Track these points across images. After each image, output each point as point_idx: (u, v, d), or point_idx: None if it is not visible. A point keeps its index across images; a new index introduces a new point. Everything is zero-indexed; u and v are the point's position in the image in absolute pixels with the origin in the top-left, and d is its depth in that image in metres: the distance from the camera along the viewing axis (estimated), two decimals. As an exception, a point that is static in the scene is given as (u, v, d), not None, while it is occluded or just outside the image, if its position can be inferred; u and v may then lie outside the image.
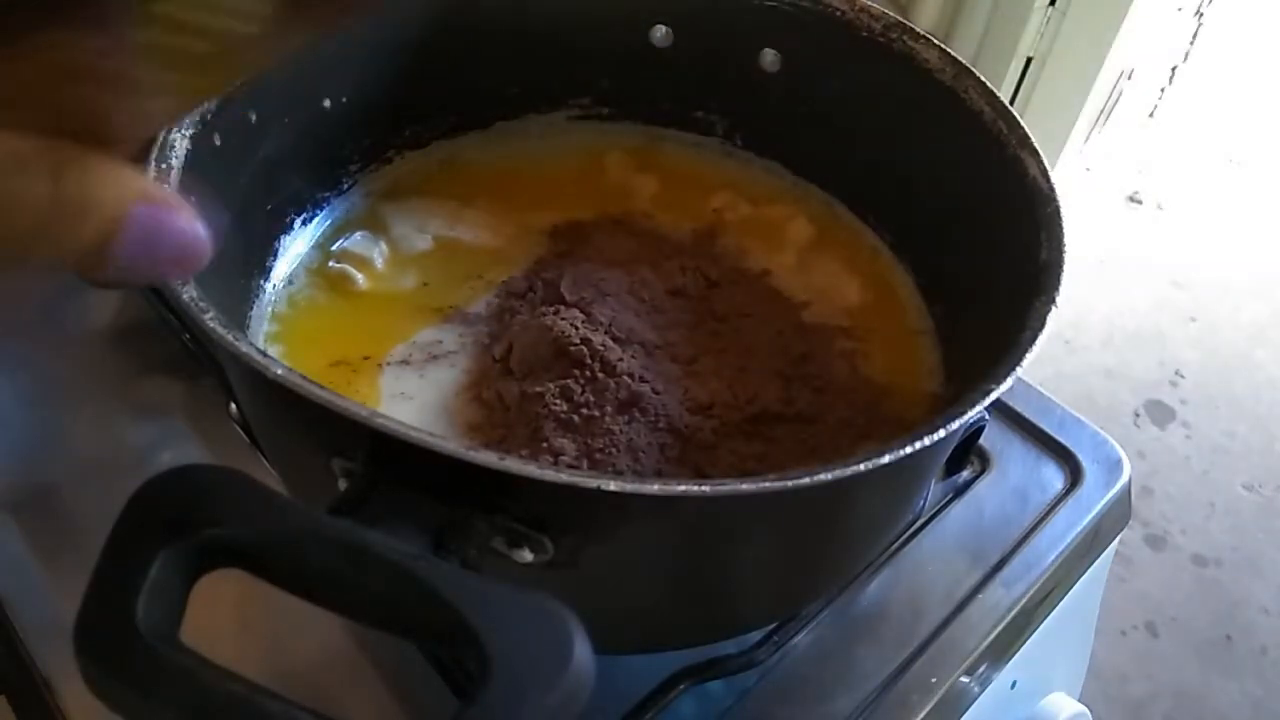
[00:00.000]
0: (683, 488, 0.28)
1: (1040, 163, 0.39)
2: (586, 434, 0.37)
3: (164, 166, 0.34)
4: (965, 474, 0.50)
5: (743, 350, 0.42)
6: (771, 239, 0.49)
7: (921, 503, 0.48)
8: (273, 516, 0.25)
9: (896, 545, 0.47)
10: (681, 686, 0.41)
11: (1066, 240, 0.36)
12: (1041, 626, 0.48)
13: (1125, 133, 1.72)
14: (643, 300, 0.43)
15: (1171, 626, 1.23)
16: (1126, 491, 0.51)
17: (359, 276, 0.45)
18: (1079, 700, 0.56)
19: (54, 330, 0.55)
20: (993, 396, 0.31)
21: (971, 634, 0.45)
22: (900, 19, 0.44)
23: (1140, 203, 1.77)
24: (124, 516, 0.24)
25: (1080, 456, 0.51)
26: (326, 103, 0.45)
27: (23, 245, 0.19)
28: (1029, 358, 0.32)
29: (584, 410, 0.37)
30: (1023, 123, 0.40)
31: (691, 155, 0.53)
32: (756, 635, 0.43)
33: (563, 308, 0.41)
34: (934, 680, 0.43)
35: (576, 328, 0.40)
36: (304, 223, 0.47)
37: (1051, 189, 0.38)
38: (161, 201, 0.19)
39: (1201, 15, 1.64)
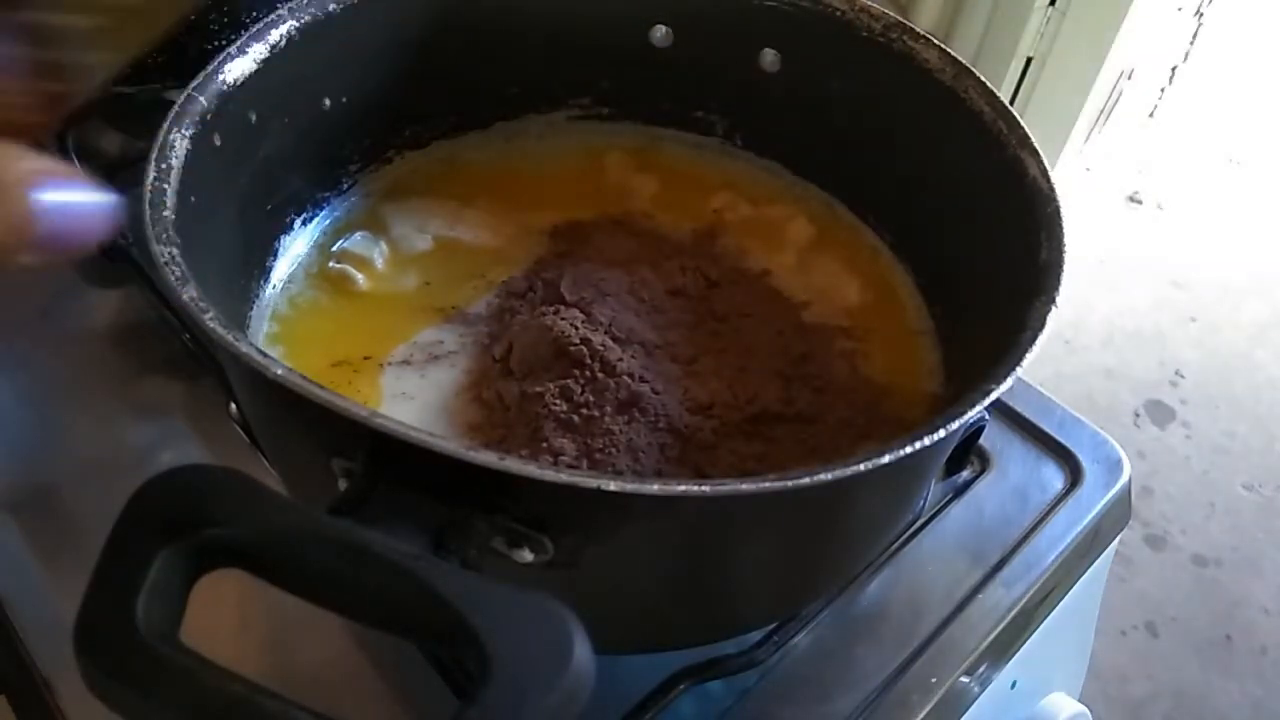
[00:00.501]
0: (683, 488, 0.28)
1: (1040, 163, 0.39)
2: (586, 434, 0.37)
3: (164, 166, 0.34)
4: (965, 474, 0.50)
5: (743, 350, 0.42)
6: (771, 239, 0.49)
7: (921, 503, 0.48)
8: (273, 516, 0.25)
9: (896, 545, 0.47)
10: (681, 686, 0.41)
11: (1066, 240, 0.36)
12: (1041, 626, 0.48)
13: (1125, 133, 1.72)
14: (643, 300, 0.43)
15: (1171, 626, 1.23)
16: (1126, 491, 0.51)
17: (359, 277, 0.45)
18: (1079, 700, 0.56)
19: (54, 330, 0.55)
20: (993, 397, 0.31)
21: (971, 634, 0.45)
22: (900, 19, 0.44)
23: (1140, 203, 1.77)
24: (124, 516, 0.24)
25: (1080, 456, 0.51)
26: (326, 103, 0.45)
27: None
28: (1029, 358, 0.32)
29: (584, 410, 0.37)
30: (1023, 123, 0.40)
31: (691, 155, 0.53)
32: (756, 635, 0.43)
33: (563, 308, 0.41)
34: (934, 680, 0.43)
35: (576, 328, 0.40)
36: (304, 223, 0.47)
37: (1051, 189, 0.38)
38: (64, 175, 0.21)
39: (1201, 15, 1.64)
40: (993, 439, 0.52)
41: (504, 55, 0.50)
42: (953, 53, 0.43)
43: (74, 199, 0.21)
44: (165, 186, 0.34)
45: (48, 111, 0.21)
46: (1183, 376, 1.50)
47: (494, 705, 0.22)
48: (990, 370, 0.32)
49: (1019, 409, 0.53)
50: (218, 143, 0.38)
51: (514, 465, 0.27)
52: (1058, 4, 1.36)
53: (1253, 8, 1.92)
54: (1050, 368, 1.48)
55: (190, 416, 0.51)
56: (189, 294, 0.30)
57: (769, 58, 0.49)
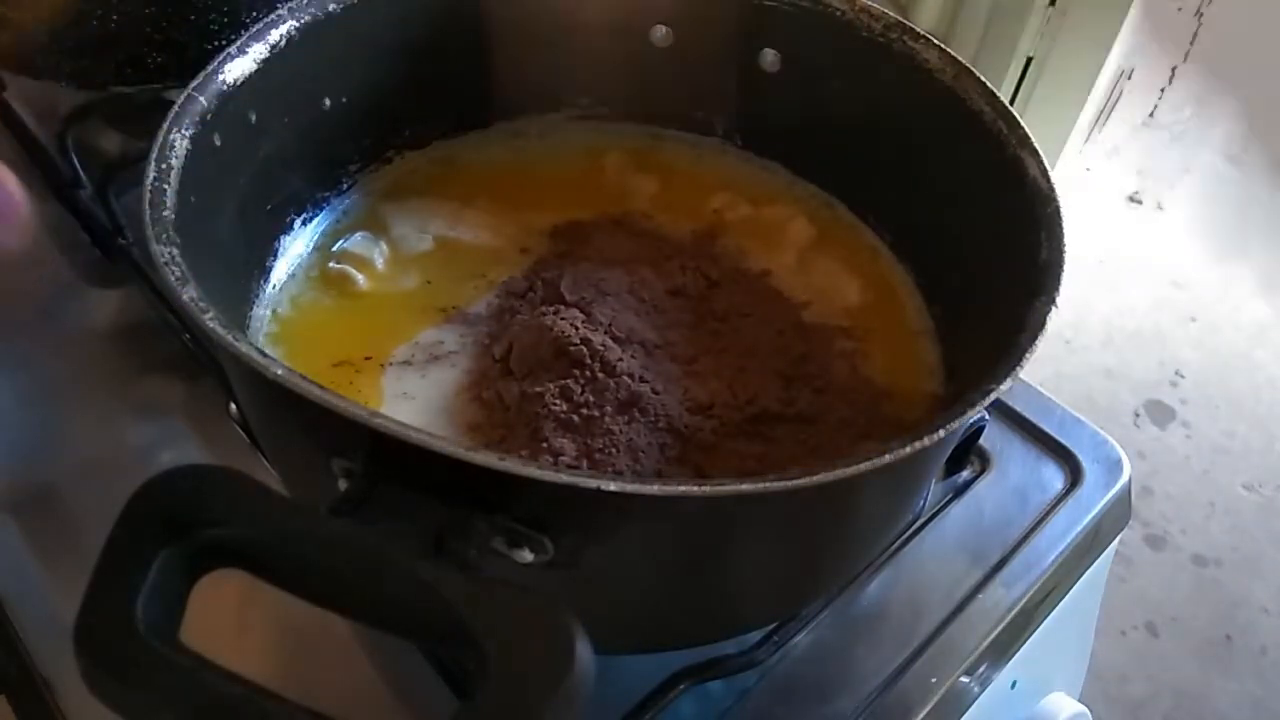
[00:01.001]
0: (683, 488, 0.28)
1: (1040, 163, 0.39)
2: (586, 434, 0.37)
3: (164, 166, 0.34)
4: (965, 474, 0.50)
5: (743, 350, 0.42)
6: (771, 239, 0.49)
7: (921, 503, 0.48)
8: (273, 516, 0.25)
9: (896, 545, 0.47)
10: (681, 686, 0.41)
11: (1066, 240, 0.36)
12: (1041, 626, 0.48)
13: (1125, 133, 1.72)
14: (643, 300, 0.43)
15: (1171, 626, 1.23)
16: (1126, 491, 0.51)
17: (359, 277, 0.45)
18: (1079, 700, 0.56)
19: (54, 330, 0.55)
20: (993, 397, 0.31)
21: (971, 634, 0.45)
22: (900, 19, 0.44)
23: (1140, 203, 1.77)
24: (124, 516, 0.24)
25: (1080, 456, 0.51)
26: (326, 103, 0.45)
27: None
28: (1029, 358, 0.32)
29: (584, 410, 0.37)
30: (1023, 123, 0.40)
31: (691, 155, 0.53)
32: (756, 635, 0.43)
33: (563, 308, 0.41)
34: (934, 680, 0.43)
35: (576, 328, 0.40)
36: (304, 223, 0.47)
37: (1051, 189, 0.38)
38: None
39: (1201, 15, 1.64)
40: (993, 439, 0.52)
41: (504, 55, 0.50)
42: (953, 53, 0.43)
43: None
44: (165, 186, 0.34)
45: None
46: (1183, 376, 1.50)
47: (494, 705, 0.22)
48: (990, 370, 0.32)
49: (1019, 409, 0.53)
50: (218, 143, 0.38)
51: (514, 465, 0.27)
52: (1058, 4, 1.36)
53: (1253, 8, 1.92)
54: (1050, 368, 1.48)
55: (190, 416, 0.51)
56: (189, 294, 0.30)
57: (769, 58, 0.49)
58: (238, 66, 0.39)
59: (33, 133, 0.60)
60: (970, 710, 0.45)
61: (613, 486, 0.27)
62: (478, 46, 0.49)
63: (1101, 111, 1.54)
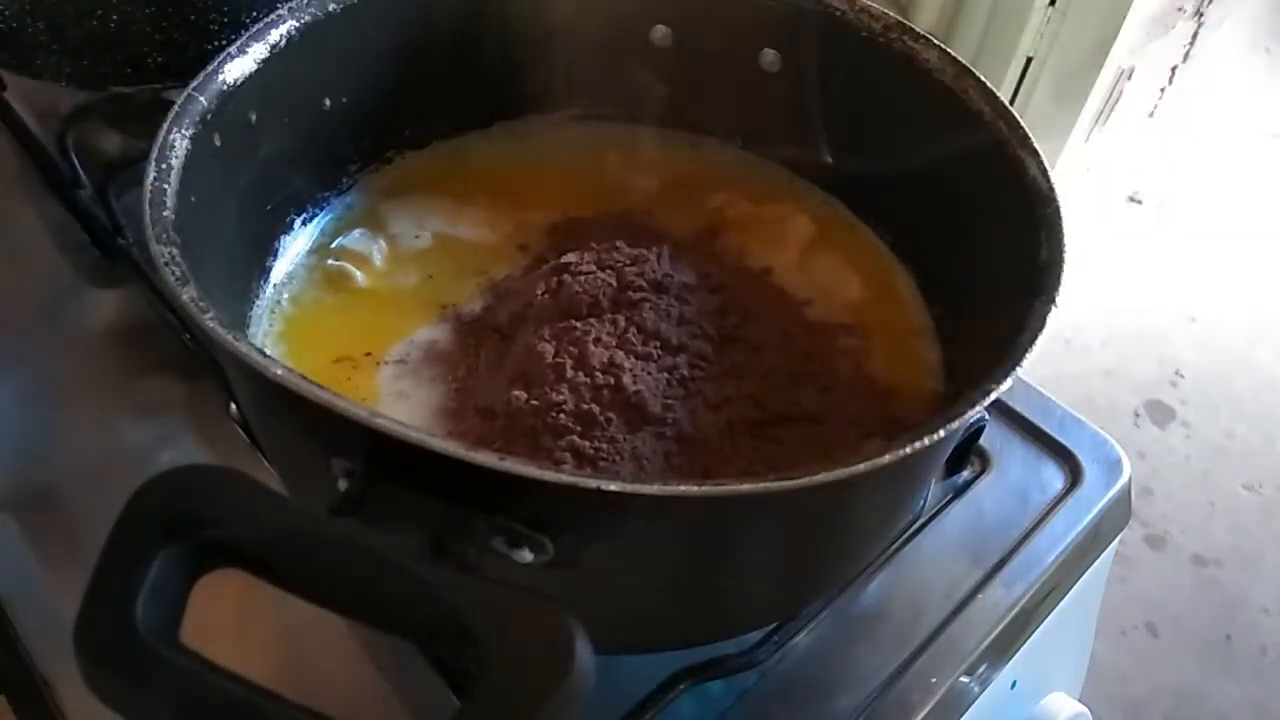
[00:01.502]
0: (682, 488, 0.28)
1: (1040, 163, 0.39)
2: (588, 438, 0.37)
3: (164, 166, 0.34)
4: (965, 474, 0.50)
5: (749, 349, 0.42)
6: (772, 237, 0.49)
7: (921, 503, 0.48)
8: (273, 516, 0.25)
9: (896, 545, 0.47)
10: (681, 686, 0.41)
11: (1066, 240, 0.36)
12: (1041, 626, 0.48)
13: (1125, 133, 1.72)
14: (645, 300, 0.43)
15: (1171, 626, 1.23)
16: (1126, 492, 0.51)
17: (358, 274, 0.45)
18: (1079, 700, 0.56)
19: (54, 330, 0.55)
20: (993, 396, 0.31)
21: (971, 634, 0.45)
22: (900, 19, 0.44)
23: (1140, 203, 1.77)
24: (124, 516, 0.24)
25: (1080, 456, 0.51)
26: (326, 103, 0.45)
27: None
28: (1029, 358, 0.32)
29: (584, 410, 0.37)
30: (1023, 123, 0.40)
31: (691, 155, 0.53)
32: (756, 635, 0.43)
33: (562, 309, 0.41)
34: (934, 680, 0.43)
35: (578, 330, 0.39)
36: (304, 222, 0.47)
37: (1051, 189, 0.38)
38: None
39: (1201, 15, 1.64)
40: (993, 439, 0.52)
41: (504, 55, 0.50)
42: (953, 53, 0.43)
43: None
44: (165, 186, 0.34)
45: None
46: (1183, 376, 1.50)
47: (494, 705, 0.22)
48: (990, 370, 0.32)
49: (1019, 409, 0.53)
50: (218, 143, 0.38)
51: (514, 465, 0.27)
52: (1058, 4, 1.36)
53: (1253, 8, 1.92)
54: (1050, 368, 1.48)
55: (190, 416, 0.51)
56: (189, 294, 0.30)
57: (769, 58, 0.49)
58: (238, 66, 0.39)
59: (33, 133, 0.60)
60: (970, 710, 0.45)
61: (613, 486, 0.27)
62: (478, 46, 0.49)
63: (1101, 111, 1.54)
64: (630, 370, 0.38)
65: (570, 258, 0.42)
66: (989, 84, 0.42)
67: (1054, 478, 0.51)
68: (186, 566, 0.24)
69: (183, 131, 0.36)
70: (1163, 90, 1.79)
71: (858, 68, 0.46)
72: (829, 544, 0.37)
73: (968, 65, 0.43)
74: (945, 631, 0.45)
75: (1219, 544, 1.31)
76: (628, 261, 0.42)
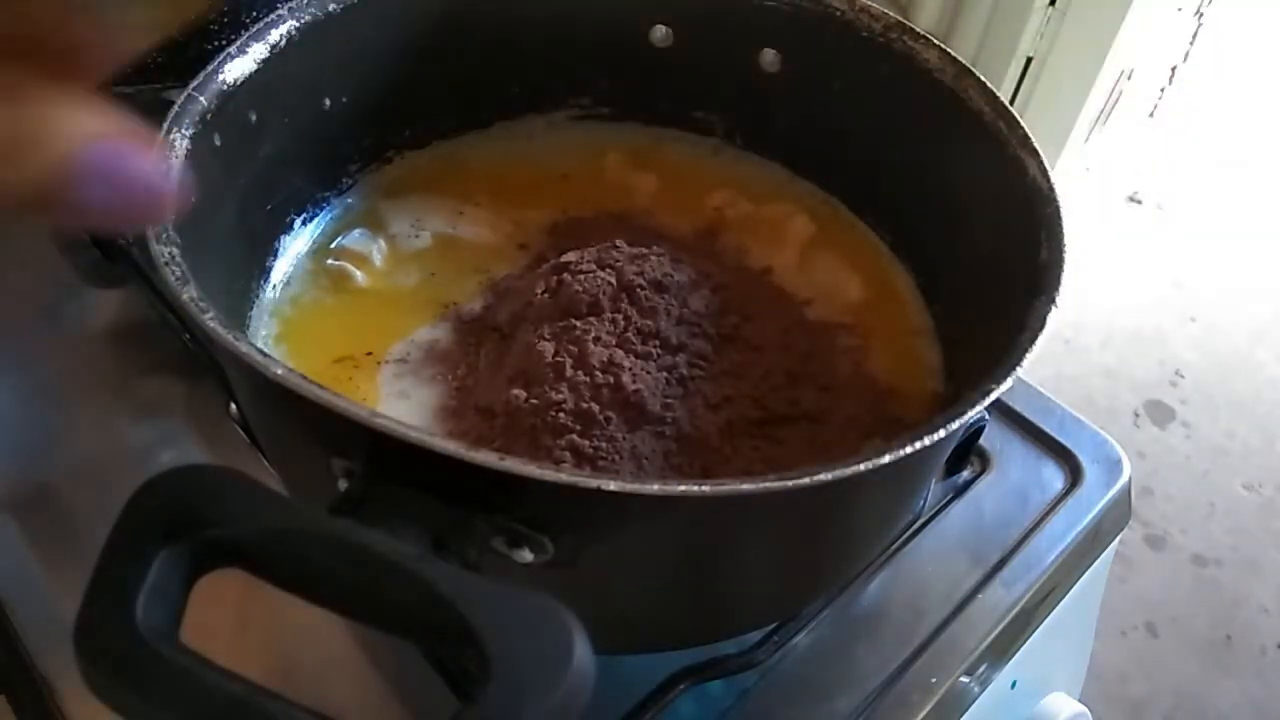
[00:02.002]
0: (682, 488, 0.28)
1: (1040, 163, 0.39)
2: (587, 437, 0.37)
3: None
4: (965, 474, 0.50)
5: (749, 349, 0.42)
6: (772, 236, 0.49)
7: (921, 503, 0.48)
8: (273, 516, 0.25)
9: (896, 545, 0.47)
10: (681, 686, 0.41)
11: (1066, 240, 0.36)
12: (1041, 626, 0.48)
13: (1125, 133, 1.72)
14: (646, 300, 0.43)
15: (1171, 626, 1.23)
16: (1126, 491, 0.51)
17: (358, 274, 0.45)
18: (1079, 700, 0.56)
19: (54, 330, 0.55)
20: (993, 396, 0.31)
21: (971, 634, 0.45)
22: (900, 19, 0.44)
23: (1140, 203, 1.77)
24: (124, 516, 0.24)
25: (1080, 456, 0.51)
26: (326, 103, 0.45)
27: None
28: (1029, 358, 0.32)
29: (584, 409, 0.37)
30: (1023, 123, 0.40)
31: (691, 155, 0.53)
32: (756, 635, 0.43)
33: (562, 309, 0.41)
34: (934, 680, 0.43)
35: (578, 330, 0.39)
36: (304, 222, 0.47)
37: (1051, 189, 0.38)
38: (122, 140, 0.18)
39: (1201, 15, 1.64)
40: (993, 439, 0.52)
41: (504, 55, 0.50)
42: (953, 53, 0.43)
43: (124, 169, 0.18)
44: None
45: (113, 51, 0.18)
46: (1183, 376, 1.50)
47: (494, 705, 0.22)
48: (990, 370, 0.32)
49: (1019, 409, 0.53)
50: (218, 143, 0.38)
51: (514, 465, 0.27)
52: (1058, 4, 1.36)
53: (1253, 8, 1.92)
54: (1050, 368, 1.48)
55: (190, 416, 0.51)
56: (189, 294, 0.30)
57: (769, 58, 0.49)
58: (238, 66, 0.39)
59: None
60: (970, 710, 0.45)
61: (613, 486, 0.27)
62: (478, 46, 0.49)
63: (1101, 111, 1.54)
64: (630, 369, 0.38)
65: (570, 257, 0.42)
66: (989, 84, 0.42)
67: (1054, 478, 0.51)
68: (186, 566, 0.24)
69: (183, 131, 0.36)
70: (1163, 90, 1.79)
71: (858, 68, 0.46)
72: (829, 544, 0.37)
73: (968, 65, 0.43)
74: (945, 631, 0.45)
75: (1219, 544, 1.31)
76: (628, 261, 0.42)
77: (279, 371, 0.28)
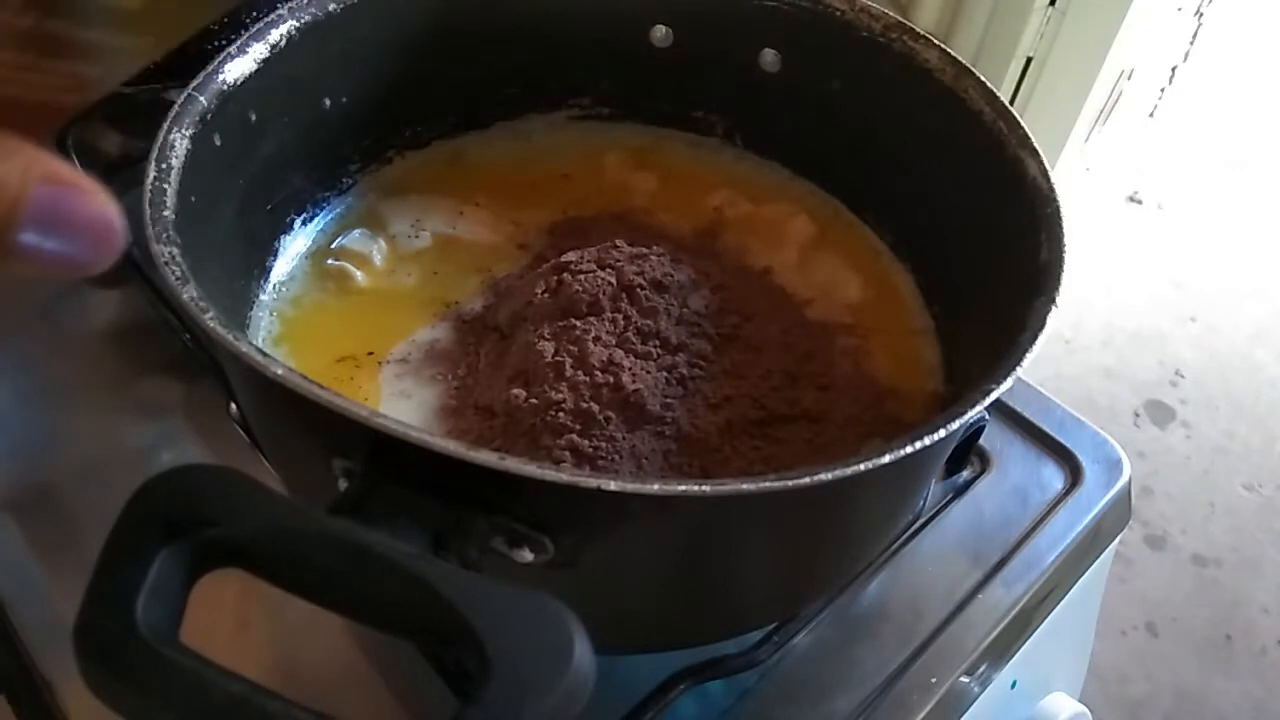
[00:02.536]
0: (682, 487, 0.28)
1: (1040, 163, 0.39)
2: (586, 437, 0.37)
3: (164, 166, 0.34)
4: (965, 474, 0.50)
5: (748, 348, 0.42)
6: (772, 236, 0.49)
7: (921, 503, 0.48)
8: (273, 516, 0.25)
9: (896, 545, 0.47)
10: (681, 686, 0.41)
11: (1066, 240, 0.36)
12: (1041, 626, 0.48)
13: (1125, 133, 1.72)
14: (646, 300, 0.43)
15: (1171, 626, 1.23)
16: (1126, 492, 0.51)
17: (358, 274, 0.45)
18: (1079, 700, 0.56)
19: (54, 330, 0.55)
20: (993, 396, 0.31)
21: (971, 634, 0.45)
22: (900, 19, 0.44)
23: (1140, 203, 1.77)
24: (124, 516, 0.24)
25: (1080, 456, 0.51)
26: (326, 103, 0.45)
27: None
28: (1029, 358, 0.32)
29: (583, 408, 0.37)
30: (1023, 123, 0.40)
31: (691, 154, 0.53)
32: (756, 635, 0.43)
33: (562, 310, 0.41)
34: (934, 680, 0.43)
35: (577, 330, 0.39)
36: (304, 222, 0.47)
37: (1051, 189, 0.38)
38: (68, 183, 0.18)
39: (1201, 15, 1.64)
40: (993, 439, 0.52)
41: (504, 55, 0.50)
42: (953, 53, 0.43)
43: (72, 211, 0.18)
44: (165, 186, 0.34)
45: (73, 94, 0.19)
46: (1183, 376, 1.50)
47: (494, 705, 0.22)
48: (990, 370, 0.32)
49: (1019, 409, 0.53)
50: (218, 143, 0.38)
51: (515, 465, 0.27)
52: (1058, 4, 1.36)
53: (1253, 8, 1.92)
54: (1050, 368, 1.48)
55: (190, 416, 0.51)
56: (189, 294, 0.30)
57: (769, 58, 0.49)
58: (238, 66, 0.39)
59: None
60: (970, 710, 0.45)
61: (613, 486, 0.27)
62: (478, 46, 0.49)
63: (1101, 111, 1.54)
64: (629, 369, 0.38)
65: (570, 257, 0.42)
66: (989, 84, 0.42)
67: (1054, 478, 0.51)
68: (186, 566, 0.24)
69: (183, 131, 0.36)
70: (1163, 90, 1.79)
71: (857, 67, 0.46)
72: (829, 544, 0.37)
73: (968, 65, 0.43)
74: (945, 631, 0.45)
75: (1219, 544, 1.31)
76: (628, 260, 0.42)
77: (279, 371, 0.28)
